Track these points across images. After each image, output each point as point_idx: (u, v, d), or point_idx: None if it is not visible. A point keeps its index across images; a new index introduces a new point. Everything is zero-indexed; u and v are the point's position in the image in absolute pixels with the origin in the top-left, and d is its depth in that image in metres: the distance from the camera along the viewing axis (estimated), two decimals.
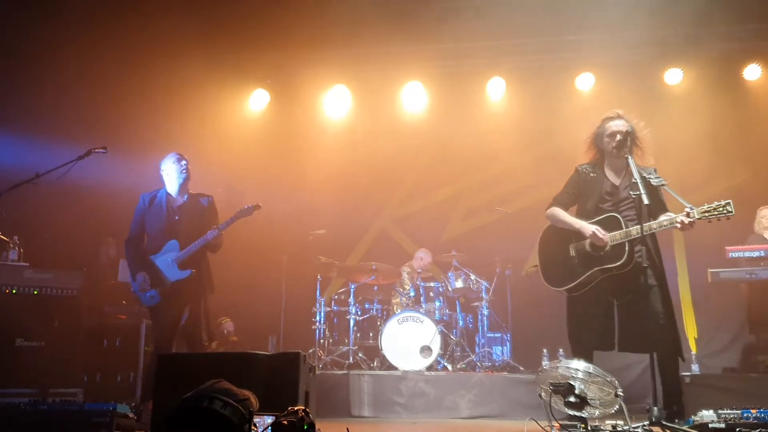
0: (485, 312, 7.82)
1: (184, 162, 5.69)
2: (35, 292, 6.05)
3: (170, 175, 5.69)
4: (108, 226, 7.79)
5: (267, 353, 3.51)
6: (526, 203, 8.79)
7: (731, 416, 3.56)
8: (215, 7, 7.64)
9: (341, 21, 7.74)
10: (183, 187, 5.71)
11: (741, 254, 6.85)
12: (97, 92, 7.73)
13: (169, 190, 5.72)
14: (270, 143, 9.05)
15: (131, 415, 4.08)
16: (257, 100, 9.30)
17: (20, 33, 7.31)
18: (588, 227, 4.75)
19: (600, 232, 4.68)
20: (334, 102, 9.32)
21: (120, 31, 7.50)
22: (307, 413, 2.55)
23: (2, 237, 6.09)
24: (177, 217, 5.61)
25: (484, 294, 7.86)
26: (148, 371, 5.51)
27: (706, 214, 4.42)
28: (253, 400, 2.60)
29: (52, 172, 5.18)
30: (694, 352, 7.59)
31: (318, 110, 9.36)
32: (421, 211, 9.58)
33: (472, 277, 7.90)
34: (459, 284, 7.86)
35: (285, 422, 2.51)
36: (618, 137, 4.77)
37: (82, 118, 7.59)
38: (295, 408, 2.57)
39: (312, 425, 2.54)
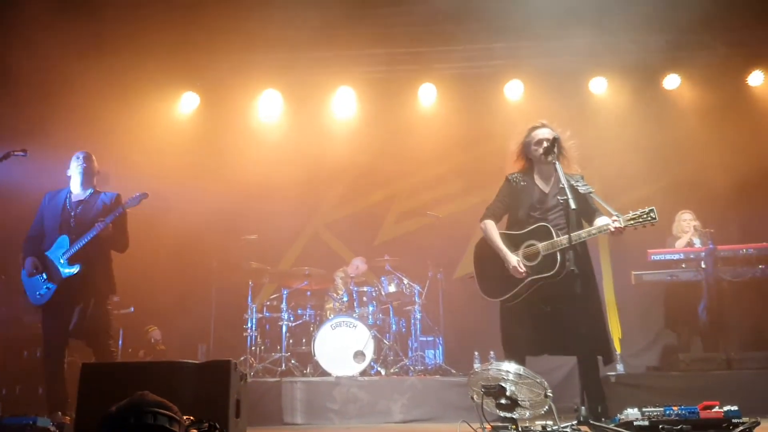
0: (418, 316, 7.86)
1: (81, 158, 5.63)
2: None
3: (72, 173, 5.65)
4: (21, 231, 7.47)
5: (196, 362, 3.44)
6: (458, 207, 8.90)
7: (655, 413, 3.67)
8: (142, 6, 7.44)
9: (272, 24, 7.68)
10: (85, 183, 5.63)
11: (662, 257, 7.14)
12: (16, 93, 7.42)
13: (72, 188, 5.66)
14: (200, 147, 8.86)
15: (52, 428, 3.92)
16: (186, 103, 9.10)
17: None
18: (511, 259, 4.85)
19: (520, 266, 4.78)
20: (265, 106, 9.21)
21: (39, 28, 7.21)
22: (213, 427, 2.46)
23: None
24: (73, 213, 5.51)
25: (416, 298, 7.90)
26: (52, 381, 5.24)
27: (632, 222, 4.57)
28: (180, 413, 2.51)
29: None
30: (618, 352, 7.83)
31: (248, 114, 9.24)
32: (353, 215, 9.57)
33: (405, 281, 7.94)
34: (392, 288, 7.88)
35: None
36: (545, 143, 4.88)
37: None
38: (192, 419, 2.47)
39: None
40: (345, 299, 7.81)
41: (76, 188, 5.64)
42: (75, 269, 5.32)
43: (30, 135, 6.87)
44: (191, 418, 2.45)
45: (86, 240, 5.33)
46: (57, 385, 5.20)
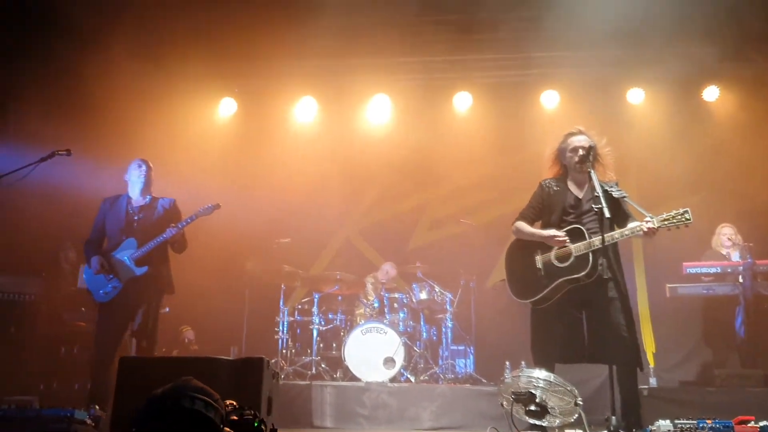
0: (449, 324, 7.84)
1: (144, 167, 5.86)
2: None
3: (131, 180, 5.87)
4: (69, 230, 7.63)
5: (230, 358, 3.49)
6: (491, 216, 8.87)
7: (687, 426, 3.64)
8: (184, 13, 7.59)
9: (309, 32, 7.76)
10: (144, 190, 5.87)
11: (698, 270, 7.03)
12: (63, 95, 7.60)
13: (130, 194, 5.88)
14: (236, 152, 9.00)
15: (89, 421, 4.02)
16: (225, 109, 9.28)
17: None
18: (547, 231, 4.86)
19: (559, 234, 4.77)
20: (302, 112, 9.32)
21: (88, 34, 7.42)
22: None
23: None
24: (136, 218, 5.76)
25: (448, 306, 7.88)
26: (98, 375, 5.45)
27: (666, 222, 4.53)
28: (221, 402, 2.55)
29: (13, 174, 5.08)
30: (651, 365, 7.72)
31: (285, 120, 9.36)
32: (386, 221, 9.59)
33: (437, 288, 7.92)
34: (423, 296, 7.87)
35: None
36: (580, 152, 4.87)
37: (47, 121, 7.44)
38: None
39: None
40: (376, 305, 7.81)
41: (135, 194, 5.87)
42: (143, 270, 5.57)
43: (74, 136, 7.01)
44: (234, 403, 2.49)
45: (157, 243, 5.59)
46: (102, 380, 5.37)
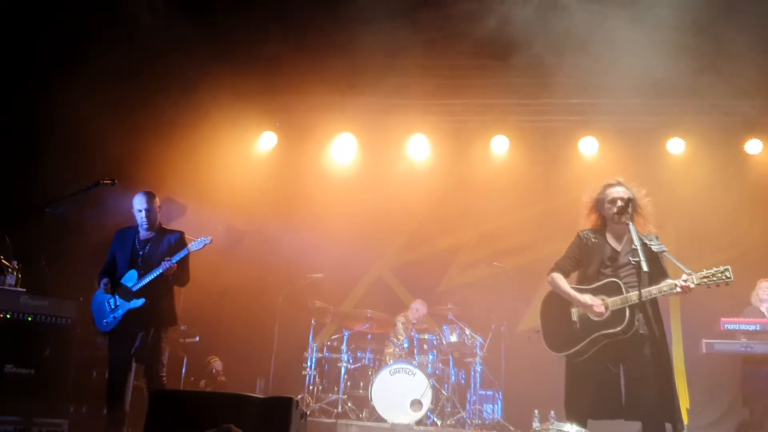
0: (478, 368, 7.74)
1: (143, 212, 5.79)
2: (29, 319, 6.01)
3: (136, 215, 5.86)
4: (106, 257, 7.76)
5: (260, 396, 3.51)
6: (524, 260, 8.82)
7: None
8: (228, 48, 7.79)
9: (351, 71, 7.90)
10: (150, 227, 5.85)
11: (736, 326, 6.85)
12: (108, 126, 7.78)
13: (140, 227, 5.89)
14: (274, 185, 9.13)
15: None
16: (264, 143, 9.43)
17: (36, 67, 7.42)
18: (584, 297, 4.76)
19: (595, 305, 4.69)
20: (340, 149, 9.45)
21: (132, 67, 7.61)
22: None
23: (2, 261, 6.08)
24: (141, 252, 5.79)
25: (478, 350, 7.79)
26: (111, 403, 5.50)
27: (705, 280, 4.42)
28: None
29: (59, 201, 5.20)
30: (685, 422, 7.52)
31: (323, 156, 9.49)
32: (419, 260, 9.58)
33: (467, 331, 7.84)
34: (453, 338, 7.80)
35: None
36: (619, 203, 4.80)
37: (91, 151, 7.62)
38: None
39: None
40: (405, 345, 7.76)
41: (142, 228, 5.88)
42: (140, 302, 5.61)
43: (118, 166, 7.17)
44: None
45: (152, 276, 5.61)
46: (112, 407, 5.46)
